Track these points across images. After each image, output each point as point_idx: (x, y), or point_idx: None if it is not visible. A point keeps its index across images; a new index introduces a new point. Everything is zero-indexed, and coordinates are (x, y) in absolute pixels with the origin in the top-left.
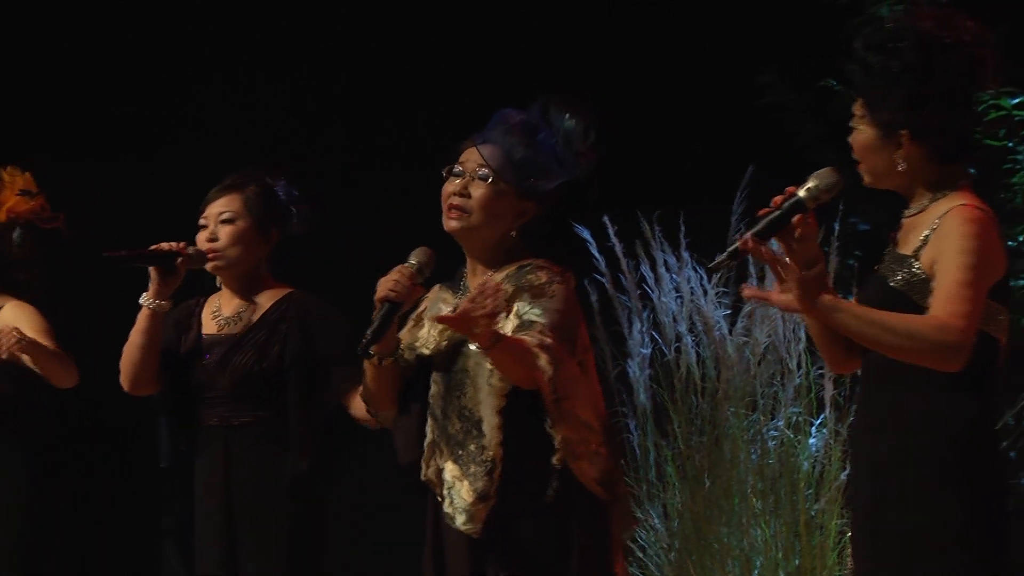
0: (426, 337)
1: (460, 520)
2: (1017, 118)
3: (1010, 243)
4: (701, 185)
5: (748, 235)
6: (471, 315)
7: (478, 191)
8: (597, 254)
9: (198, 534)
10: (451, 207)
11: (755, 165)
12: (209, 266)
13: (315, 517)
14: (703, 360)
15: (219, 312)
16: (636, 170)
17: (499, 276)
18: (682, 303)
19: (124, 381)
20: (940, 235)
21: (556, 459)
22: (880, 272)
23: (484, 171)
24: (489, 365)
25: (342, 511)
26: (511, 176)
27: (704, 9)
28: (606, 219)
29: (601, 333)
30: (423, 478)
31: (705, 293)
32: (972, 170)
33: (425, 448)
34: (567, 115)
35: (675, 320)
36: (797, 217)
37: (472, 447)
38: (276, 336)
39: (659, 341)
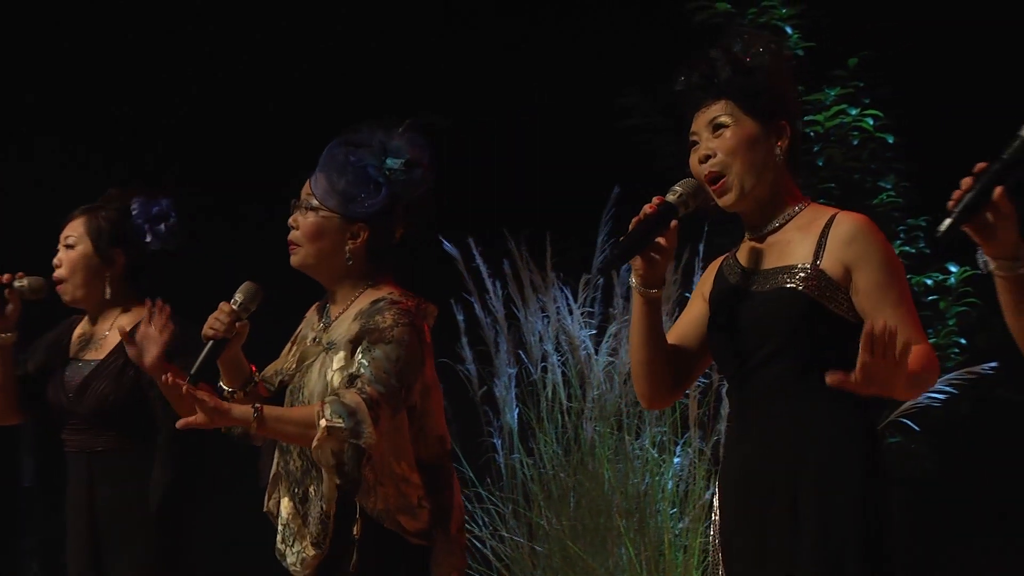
0: (288, 366)
1: (291, 560)
2: (878, 139)
3: None
4: (567, 205)
5: (623, 242)
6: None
7: (304, 220)
8: (464, 273)
9: (68, 556)
10: (289, 242)
11: (620, 186)
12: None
13: (181, 540)
14: (569, 379)
15: (83, 336)
16: (502, 191)
17: (352, 323)
18: (548, 323)
19: None
20: (846, 243)
21: (356, 529)
22: (768, 288)
23: (311, 201)
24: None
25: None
26: (332, 202)
27: (568, 31)
28: (472, 240)
29: (467, 353)
30: (264, 509)
31: (571, 313)
32: (835, 192)
33: (269, 480)
34: (394, 135)
35: (541, 340)
36: (673, 223)
37: (311, 489)
38: (131, 361)
39: (525, 360)
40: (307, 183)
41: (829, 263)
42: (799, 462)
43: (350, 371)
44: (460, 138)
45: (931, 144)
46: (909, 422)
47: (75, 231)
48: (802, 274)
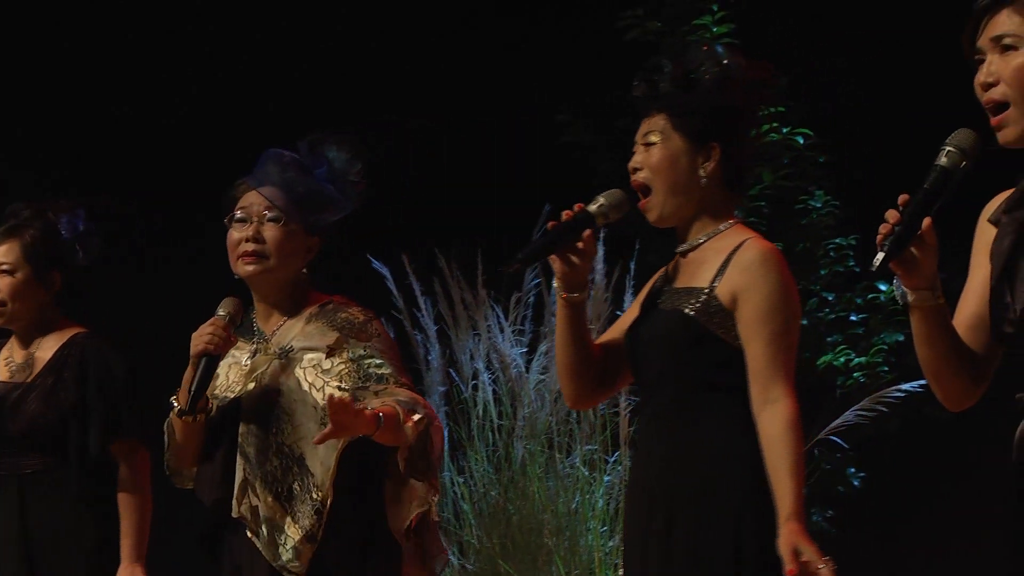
0: (226, 382)
1: (286, 557)
2: (808, 158)
3: (803, 284)
4: (499, 223)
5: (533, 244)
6: (345, 424)
7: (271, 233)
8: (395, 291)
9: None
10: (245, 254)
11: (552, 203)
12: None
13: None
14: (500, 397)
15: (11, 358)
16: (434, 208)
17: (307, 326)
18: (479, 340)
19: None
20: (740, 269)
21: (415, 513)
22: (667, 306)
23: (273, 213)
24: (314, 402)
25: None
26: (298, 215)
27: (504, 48)
28: (404, 257)
29: None
30: (235, 515)
31: (502, 331)
32: (766, 211)
33: (236, 486)
34: (334, 149)
35: (472, 357)
36: (587, 232)
37: (295, 485)
38: (61, 382)
39: (456, 378)
40: (247, 196)
41: (723, 289)
42: (677, 483)
43: (366, 371)
44: (390, 154)
45: (860, 163)
46: (839, 440)
47: (9, 256)
48: (698, 299)
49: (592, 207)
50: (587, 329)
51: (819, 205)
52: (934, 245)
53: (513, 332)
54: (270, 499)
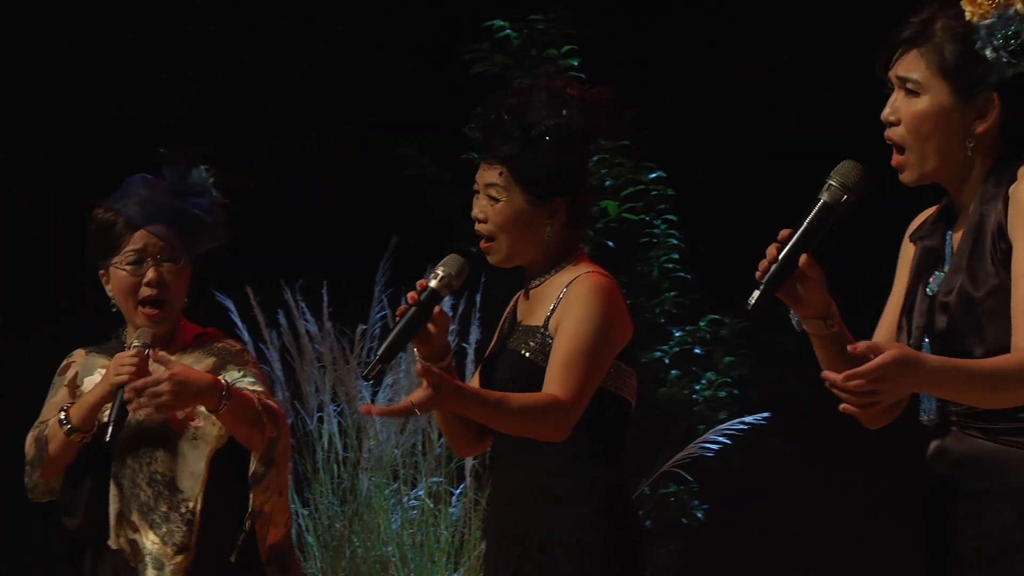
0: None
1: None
2: (654, 192)
3: (647, 316)
4: (345, 255)
5: (390, 337)
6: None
7: (171, 275)
8: (239, 323)
9: None
10: (147, 299)
11: (398, 235)
12: None
13: None
14: (345, 430)
15: None
16: (279, 239)
17: (183, 356)
18: (325, 372)
19: None
20: (567, 303)
21: (247, 523)
22: (512, 345)
23: (170, 253)
24: (192, 425)
25: None
26: (189, 248)
27: (348, 80)
28: (248, 288)
29: None
30: (113, 546)
31: (348, 363)
32: (611, 243)
33: (112, 517)
34: (200, 168)
35: (318, 390)
36: (437, 309)
37: (164, 507)
38: None
39: (301, 411)
40: (138, 237)
41: (553, 323)
42: (525, 520)
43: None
44: (235, 185)
45: (705, 197)
46: (682, 472)
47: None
48: (534, 339)
49: (434, 282)
50: None
51: (665, 237)
52: (817, 277)
53: (358, 364)
54: (147, 530)
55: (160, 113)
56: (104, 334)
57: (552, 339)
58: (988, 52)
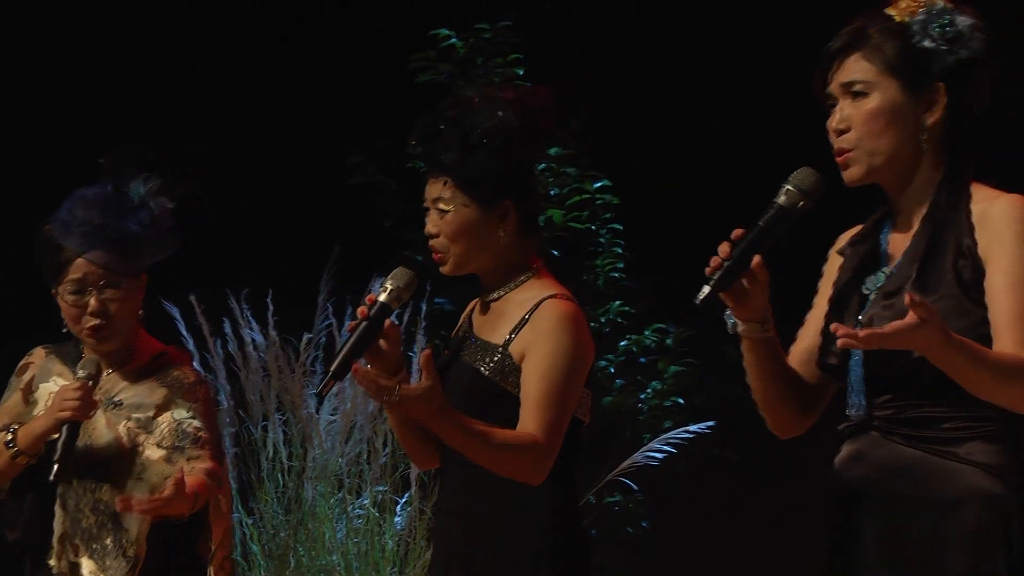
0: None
1: None
2: (600, 201)
3: (592, 324)
4: (290, 263)
5: (342, 353)
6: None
7: (113, 303)
8: (184, 332)
9: None
10: (91, 328)
11: (342, 243)
12: None
13: None
14: (290, 438)
15: None
16: (224, 248)
17: (137, 383)
18: (270, 381)
19: None
20: (535, 327)
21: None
22: (467, 359)
23: (111, 279)
24: (133, 459)
25: None
26: (130, 268)
27: (295, 87)
28: (193, 297)
29: None
30: (54, 569)
31: (292, 371)
32: (556, 252)
33: (55, 538)
34: (141, 180)
35: (262, 398)
36: (387, 322)
37: (108, 541)
38: None
39: (246, 419)
40: (77, 265)
41: (516, 347)
42: (474, 533)
43: (179, 424)
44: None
45: (650, 205)
46: (628, 481)
47: None
48: (493, 357)
49: (383, 296)
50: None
51: (612, 246)
52: (765, 281)
53: (303, 373)
54: (89, 558)
55: (101, 119)
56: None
57: (512, 361)
58: (928, 43)
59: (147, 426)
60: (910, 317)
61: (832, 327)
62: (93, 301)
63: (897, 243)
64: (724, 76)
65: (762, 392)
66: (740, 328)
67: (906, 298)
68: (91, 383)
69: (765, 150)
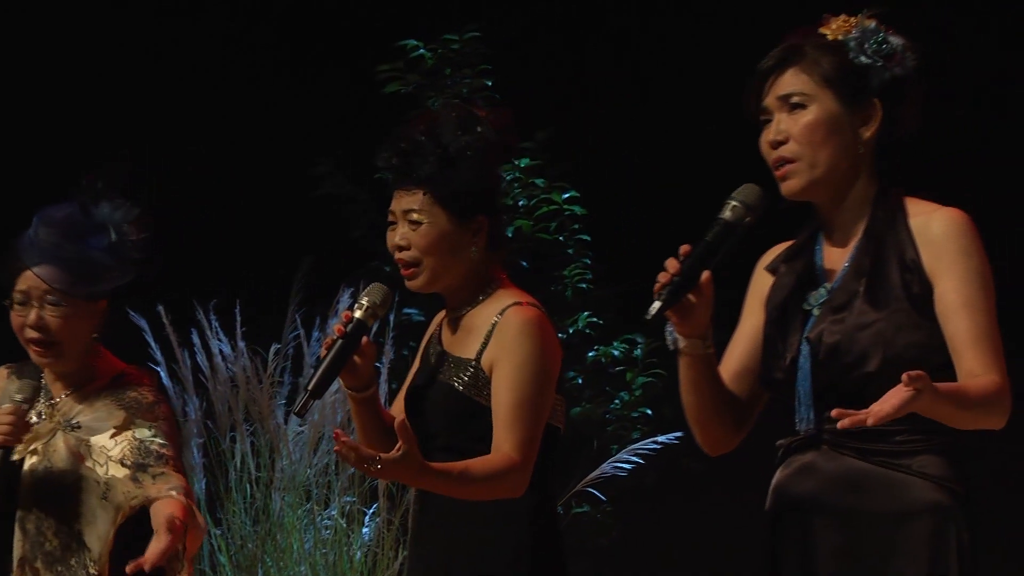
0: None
1: None
2: (567, 212)
3: (560, 335)
4: (258, 274)
5: (319, 371)
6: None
7: (54, 320)
8: (152, 342)
9: None
10: (32, 341)
11: (312, 255)
12: None
13: None
14: (258, 449)
15: None
16: (192, 259)
17: (95, 404)
18: (238, 392)
19: None
20: (500, 337)
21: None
22: (442, 377)
23: (54, 296)
24: (96, 478)
25: None
26: (79, 290)
27: (263, 97)
28: (160, 308)
29: None
30: None
31: (260, 382)
32: (524, 263)
33: (15, 562)
34: (110, 205)
35: (230, 409)
36: (364, 339)
37: (73, 561)
38: None
39: (214, 430)
40: (24, 277)
41: (486, 358)
42: (453, 539)
43: (143, 444)
44: (149, 204)
45: (618, 216)
46: (596, 492)
47: None
48: (466, 372)
49: (359, 313)
50: (380, 418)
51: (581, 257)
52: (710, 297)
53: (272, 384)
54: None
55: (67, 130)
56: None
57: (484, 373)
58: (864, 59)
59: (106, 447)
60: (907, 391)
61: (834, 413)
62: (32, 315)
63: (834, 258)
64: (693, 87)
65: (697, 409)
66: (681, 344)
67: (904, 377)
68: (25, 407)
69: (732, 161)
